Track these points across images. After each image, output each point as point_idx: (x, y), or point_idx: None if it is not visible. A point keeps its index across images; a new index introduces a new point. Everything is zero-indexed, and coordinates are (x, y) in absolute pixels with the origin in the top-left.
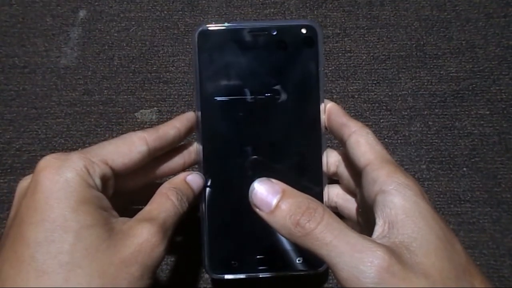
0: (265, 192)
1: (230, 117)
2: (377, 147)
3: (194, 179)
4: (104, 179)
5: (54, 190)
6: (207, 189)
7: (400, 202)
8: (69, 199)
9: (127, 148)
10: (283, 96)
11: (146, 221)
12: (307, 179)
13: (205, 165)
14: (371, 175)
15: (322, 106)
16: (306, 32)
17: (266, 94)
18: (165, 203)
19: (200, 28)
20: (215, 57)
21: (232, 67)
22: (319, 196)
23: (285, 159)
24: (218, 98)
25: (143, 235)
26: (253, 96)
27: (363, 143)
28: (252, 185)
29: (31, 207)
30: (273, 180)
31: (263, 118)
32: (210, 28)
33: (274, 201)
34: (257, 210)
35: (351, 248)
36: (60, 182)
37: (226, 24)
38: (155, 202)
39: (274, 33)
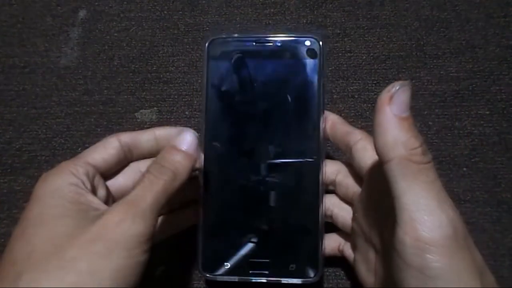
0: (407, 99)
1: (234, 123)
2: None
3: (181, 139)
4: (89, 176)
5: (38, 195)
6: (205, 189)
7: None
8: (47, 198)
9: (102, 147)
10: (286, 105)
11: (114, 203)
12: (306, 186)
13: (205, 167)
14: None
15: (322, 116)
16: (310, 44)
17: (270, 102)
18: (140, 180)
19: (211, 38)
20: (223, 65)
21: (239, 75)
22: (316, 203)
23: (285, 166)
24: (224, 104)
25: (107, 213)
26: (256, 104)
27: (370, 149)
28: (398, 83)
29: (22, 214)
30: None
31: (265, 125)
32: (219, 39)
33: (408, 113)
34: (387, 106)
35: (440, 197)
36: (43, 187)
37: (234, 35)
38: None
39: (279, 44)
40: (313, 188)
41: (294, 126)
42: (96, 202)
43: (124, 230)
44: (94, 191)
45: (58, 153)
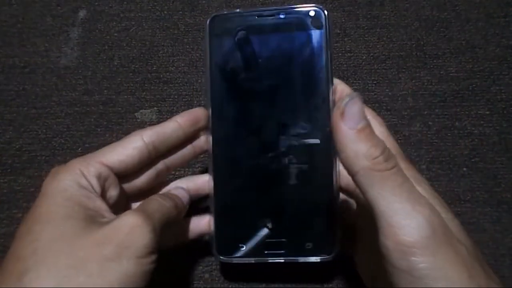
0: (359, 110)
1: (241, 101)
2: (389, 139)
3: (175, 190)
4: (100, 178)
5: (47, 192)
6: (216, 172)
7: (421, 192)
8: (56, 197)
9: (122, 146)
10: (293, 79)
11: (128, 211)
12: (319, 161)
13: (214, 149)
14: None
15: (331, 87)
16: (314, 14)
17: (276, 77)
18: (148, 201)
19: (212, 15)
20: (226, 43)
21: (243, 51)
22: (330, 177)
23: (296, 142)
24: (229, 83)
25: (122, 219)
26: (263, 80)
27: (377, 133)
28: (348, 96)
29: (29, 210)
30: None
31: (273, 101)
32: (220, 15)
33: (362, 123)
34: (340, 122)
35: (413, 198)
36: (53, 185)
37: (236, 11)
38: (140, 204)
39: (283, 17)
40: (327, 163)
41: (303, 100)
42: (104, 208)
43: (136, 237)
44: (103, 194)
45: (58, 153)
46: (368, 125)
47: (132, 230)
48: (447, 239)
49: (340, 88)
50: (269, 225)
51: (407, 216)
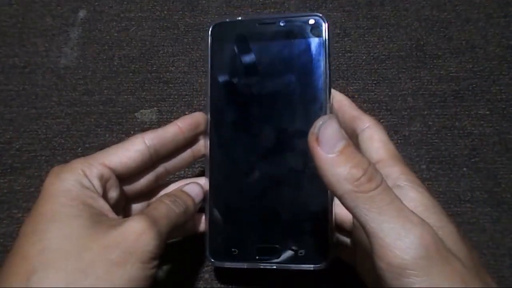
0: (334, 132)
1: (239, 106)
2: (389, 145)
3: (191, 187)
4: (102, 179)
5: (51, 191)
6: (212, 175)
7: (416, 196)
8: (60, 197)
9: (124, 148)
10: (291, 86)
11: (135, 215)
12: (314, 168)
13: (212, 153)
14: (383, 171)
15: (329, 95)
16: (314, 23)
17: (275, 84)
18: (158, 205)
19: (214, 23)
20: (227, 50)
21: (243, 58)
22: (325, 185)
23: (292, 149)
24: (228, 89)
25: (129, 224)
26: (262, 87)
27: (377, 139)
28: (321, 119)
29: (32, 206)
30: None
31: (271, 107)
32: (222, 23)
33: (340, 145)
34: (316, 148)
35: (403, 217)
36: (56, 184)
37: (237, 18)
38: (149, 206)
39: (283, 24)
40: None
41: (301, 107)
42: (107, 208)
43: (142, 243)
44: (104, 195)
45: (58, 153)
46: (347, 145)
47: (138, 237)
48: (441, 257)
49: (338, 98)
50: (262, 231)
51: (398, 237)
